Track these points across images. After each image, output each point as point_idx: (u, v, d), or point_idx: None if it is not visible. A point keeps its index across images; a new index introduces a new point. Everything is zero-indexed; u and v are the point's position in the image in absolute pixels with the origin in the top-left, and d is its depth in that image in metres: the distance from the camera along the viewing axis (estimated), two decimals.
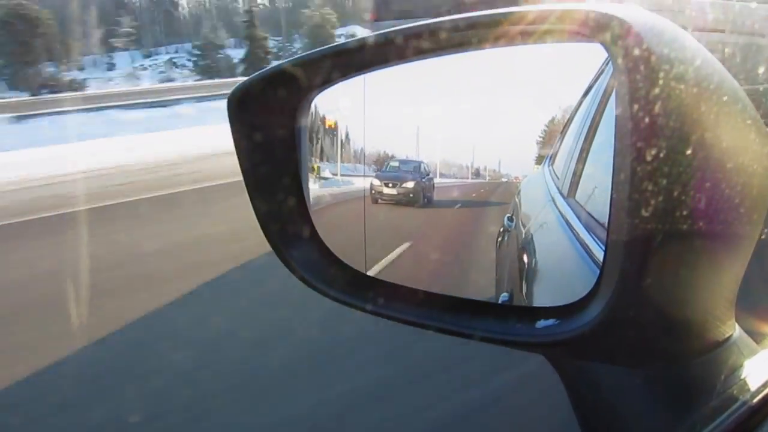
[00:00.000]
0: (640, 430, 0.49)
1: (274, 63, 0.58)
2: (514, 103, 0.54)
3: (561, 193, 0.61)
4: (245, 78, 0.58)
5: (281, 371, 2.53)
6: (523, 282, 0.59)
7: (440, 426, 2.12)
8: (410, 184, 0.65)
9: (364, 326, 2.48)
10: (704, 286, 0.43)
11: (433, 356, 2.46)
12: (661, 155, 0.37)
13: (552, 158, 0.58)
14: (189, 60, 35.01)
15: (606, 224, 0.42)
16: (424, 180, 0.63)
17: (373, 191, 0.67)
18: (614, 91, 0.41)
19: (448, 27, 0.48)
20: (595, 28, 0.40)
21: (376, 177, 0.66)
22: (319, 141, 0.66)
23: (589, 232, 0.51)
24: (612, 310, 0.41)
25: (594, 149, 0.56)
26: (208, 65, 32.32)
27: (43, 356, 2.67)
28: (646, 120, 0.37)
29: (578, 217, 0.56)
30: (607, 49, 0.41)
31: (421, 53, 0.52)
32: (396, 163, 0.65)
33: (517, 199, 0.58)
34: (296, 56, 0.57)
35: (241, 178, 0.58)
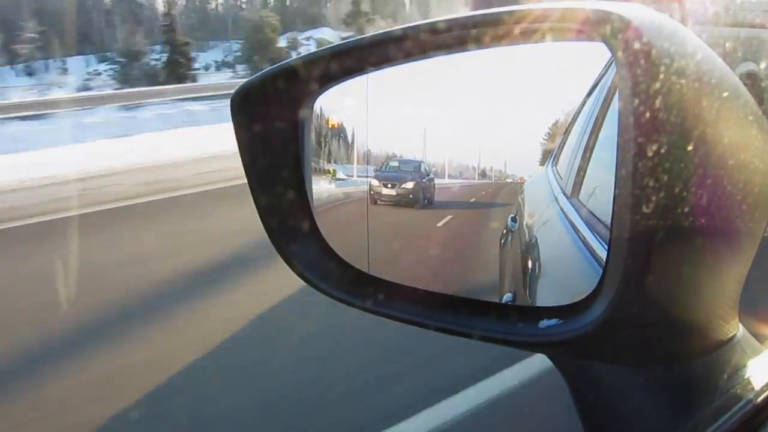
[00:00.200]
0: (644, 430, 0.49)
1: (282, 61, 0.57)
2: (519, 102, 0.54)
3: (564, 193, 0.61)
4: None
5: None
6: (527, 282, 0.59)
7: None
8: (410, 185, 0.63)
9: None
10: (707, 284, 0.43)
11: None
12: (662, 151, 0.36)
13: (555, 158, 0.58)
14: (111, 67, 32.97)
15: (609, 223, 0.42)
16: (424, 180, 0.62)
17: (372, 192, 0.66)
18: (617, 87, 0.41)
19: (449, 26, 0.49)
20: (596, 24, 0.40)
21: (375, 177, 0.65)
22: (327, 144, 0.66)
23: (592, 232, 0.51)
24: (615, 309, 0.41)
25: (598, 148, 0.55)
26: (130, 72, 30.50)
27: None
28: (647, 115, 0.36)
29: (581, 217, 0.55)
30: (608, 45, 0.41)
31: (424, 52, 0.52)
32: (396, 163, 0.63)
33: (520, 199, 0.58)
34: (300, 55, 0.58)
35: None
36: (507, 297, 0.59)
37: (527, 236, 0.60)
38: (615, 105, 0.42)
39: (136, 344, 2.89)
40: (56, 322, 3.12)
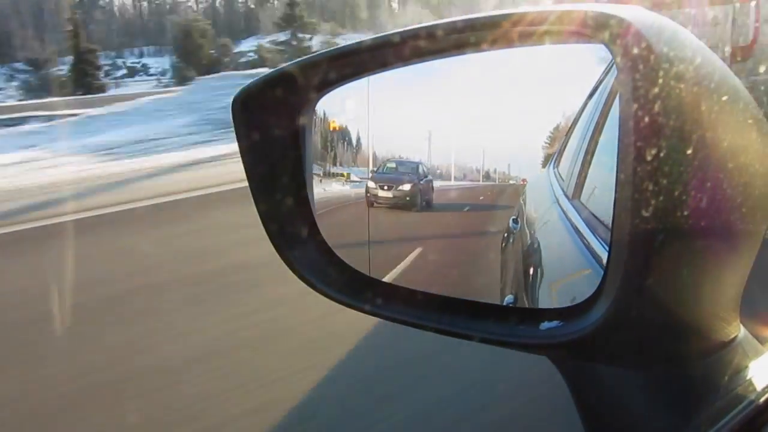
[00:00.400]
0: (646, 431, 0.49)
1: (284, 65, 0.56)
2: (521, 105, 0.54)
3: (566, 195, 0.61)
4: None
5: None
6: (528, 284, 0.59)
7: None
8: (407, 187, 0.61)
9: None
10: (708, 286, 0.43)
11: None
12: (662, 155, 0.36)
13: (557, 160, 0.58)
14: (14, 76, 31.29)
15: (610, 225, 0.42)
16: (422, 182, 0.60)
17: (369, 194, 0.64)
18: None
19: (448, 29, 0.49)
20: (595, 28, 0.40)
21: (372, 179, 0.63)
22: (334, 149, 0.65)
23: (593, 234, 0.51)
24: (615, 311, 0.41)
25: (599, 150, 0.56)
26: (34, 82, 28.78)
27: None
28: (646, 119, 0.37)
29: (583, 219, 0.56)
30: (608, 48, 0.41)
31: (424, 55, 0.53)
32: (393, 164, 0.62)
33: (522, 201, 0.58)
34: (300, 58, 0.58)
35: None
36: (509, 299, 0.59)
37: (528, 238, 0.61)
38: (616, 107, 0.42)
39: None
40: None
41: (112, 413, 2.17)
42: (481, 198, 0.57)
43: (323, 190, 0.65)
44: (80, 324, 2.89)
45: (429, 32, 0.50)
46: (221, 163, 7.47)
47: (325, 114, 0.63)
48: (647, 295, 0.40)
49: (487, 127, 0.56)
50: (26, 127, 13.29)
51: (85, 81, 27.92)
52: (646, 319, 0.41)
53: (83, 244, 4.28)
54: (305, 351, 2.54)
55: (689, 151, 0.37)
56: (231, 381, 2.33)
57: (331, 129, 0.65)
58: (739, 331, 0.48)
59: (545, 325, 0.47)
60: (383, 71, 0.56)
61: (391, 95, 0.61)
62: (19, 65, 33.79)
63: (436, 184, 0.60)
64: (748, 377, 0.47)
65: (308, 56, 0.57)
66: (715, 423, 0.44)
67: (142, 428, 2.10)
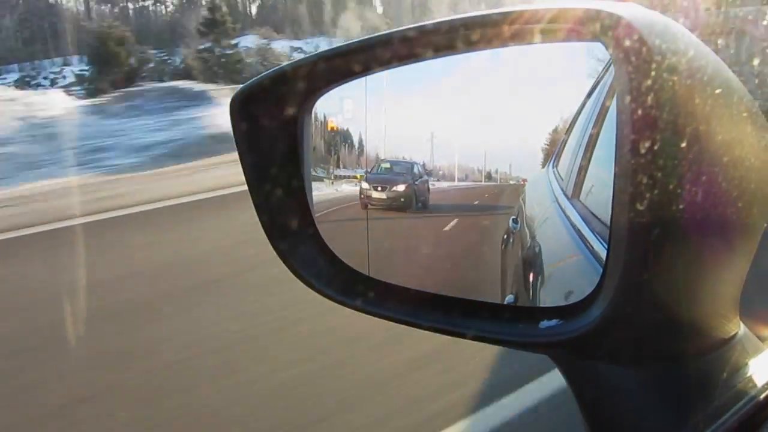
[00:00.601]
0: (645, 429, 0.49)
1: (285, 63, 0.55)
2: (520, 104, 0.54)
3: (565, 194, 0.61)
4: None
5: None
6: (528, 283, 0.59)
7: None
8: (401, 188, 0.59)
9: None
10: (706, 282, 0.43)
11: None
12: (656, 148, 0.36)
13: (556, 159, 0.58)
14: None
15: (609, 223, 0.42)
16: (417, 183, 0.58)
17: (362, 195, 0.62)
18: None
19: (445, 28, 0.49)
20: (587, 23, 0.41)
21: (365, 180, 0.61)
22: (337, 153, 0.65)
23: (593, 232, 0.51)
24: (615, 309, 0.41)
25: (598, 149, 0.55)
26: None
27: None
28: (640, 112, 0.37)
29: (582, 217, 0.55)
30: (603, 43, 0.41)
31: (420, 55, 0.53)
32: (387, 165, 0.60)
33: (521, 201, 0.58)
34: (299, 58, 0.58)
35: None
36: (509, 298, 0.59)
37: (528, 237, 0.60)
38: (614, 106, 0.42)
39: None
40: None
41: None
42: (476, 202, 0.57)
43: (328, 191, 0.64)
44: None
45: (425, 31, 0.50)
46: None
47: (322, 113, 0.63)
48: (646, 291, 0.39)
49: (486, 126, 0.56)
50: None
51: None
52: (646, 317, 0.41)
53: None
54: None
55: (683, 144, 0.37)
56: None
57: (329, 129, 0.65)
58: (738, 328, 0.48)
59: (545, 323, 0.47)
60: (380, 71, 0.56)
61: (388, 95, 0.61)
62: None
63: (439, 185, 0.59)
64: (748, 374, 0.46)
65: (308, 56, 0.57)
66: (715, 420, 0.44)
67: None
